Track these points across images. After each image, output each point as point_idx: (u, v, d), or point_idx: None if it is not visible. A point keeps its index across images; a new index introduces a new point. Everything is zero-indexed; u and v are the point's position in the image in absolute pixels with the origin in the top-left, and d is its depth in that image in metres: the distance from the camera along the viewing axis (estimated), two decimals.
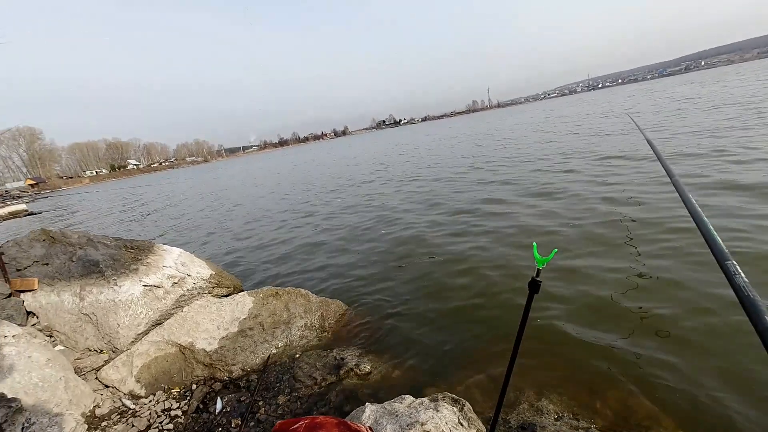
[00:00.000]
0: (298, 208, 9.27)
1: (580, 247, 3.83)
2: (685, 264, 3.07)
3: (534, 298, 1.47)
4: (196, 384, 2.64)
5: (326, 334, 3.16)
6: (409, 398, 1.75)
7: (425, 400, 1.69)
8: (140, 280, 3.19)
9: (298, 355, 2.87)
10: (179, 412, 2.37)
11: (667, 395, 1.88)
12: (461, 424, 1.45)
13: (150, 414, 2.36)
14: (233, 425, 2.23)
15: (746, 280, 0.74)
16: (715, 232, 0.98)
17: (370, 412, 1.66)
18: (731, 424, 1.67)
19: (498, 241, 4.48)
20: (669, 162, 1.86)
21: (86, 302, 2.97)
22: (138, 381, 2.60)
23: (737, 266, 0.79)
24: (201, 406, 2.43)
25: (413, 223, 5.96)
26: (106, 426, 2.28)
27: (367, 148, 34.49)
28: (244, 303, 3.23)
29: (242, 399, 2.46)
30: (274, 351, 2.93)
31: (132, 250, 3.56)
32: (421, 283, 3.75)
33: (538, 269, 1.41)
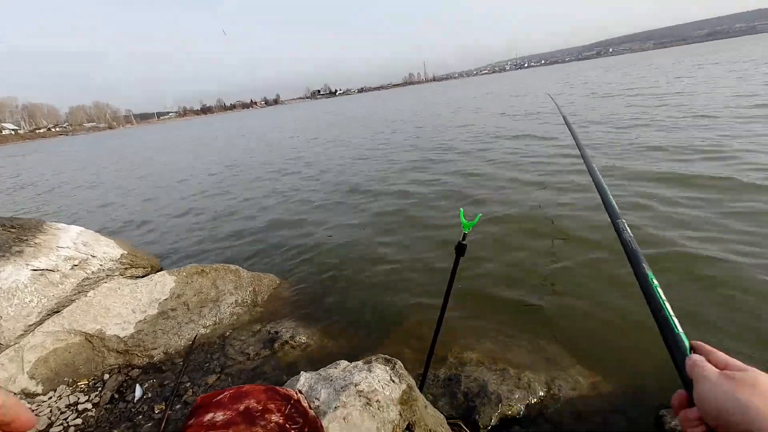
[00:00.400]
0: (221, 184, 8.60)
1: (500, 213, 4.15)
2: (585, 224, 3.50)
3: (460, 260, 1.56)
4: (109, 373, 2.39)
5: (259, 309, 3.05)
6: (344, 363, 1.77)
7: (359, 363, 1.74)
8: (26, 264, 2.72)
9: (228, 333, 2.73)
10: (89, 405, 2.13)
11: (567, 337, 2.18)
12: (393, 381, 1.52)
13: (51, 411, 2.09)
14: (156, 411, 2.08)
15: (632, 235, 0.84)
16: (611, 196, 1.09)
17: (304, 379, 1.66)
18: (618, 357, 2.00)
19: (425, 207, 4.67)
20: (580, 135, 2.06)
21: None
22: (32, 377, 2.27)
23: (625, 224, 0.90)
24: (116, 396, 2.21)
25: (345, 188, 5.92)
26: None
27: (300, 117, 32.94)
28: (164, 283, 2.96)
29: (166, 383, 2.29)
30: (202, 331, 2.76)
31: (12, 230, 2.99)
32: (351, 252, 3.79)
33: (464, 233, 1.48)
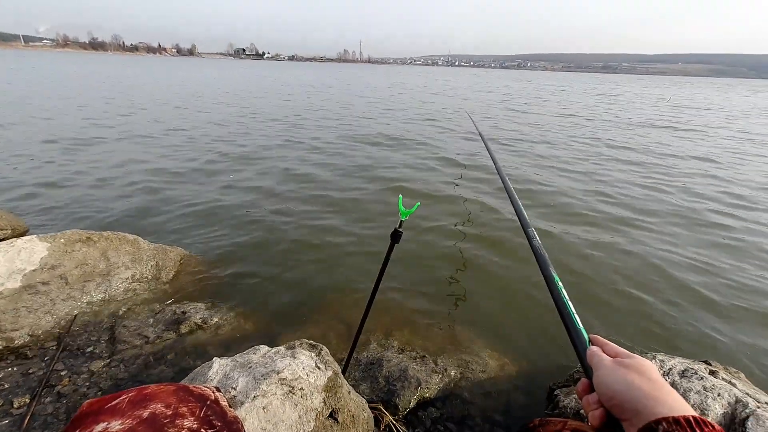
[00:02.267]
0: (129, 134, 7.32)
1: (428, 203, 4.34)
2: (501, 229, 3.87)
3: (395, 247, 1.58)
4: None
5: (163, 286, 2.70)
6: (264, 348, 1.67)
7: (281, 348, 1.65)
8: None
9: (122, 312, 2.36)
10: None
11: (480, 324, 2.40)
12: (318, 368, 1.49)
13: None
14: (16, 405, 1.70)
15: (540, 242, 0.96)
16: (522, 207, 1.21)
17: (218, 366, 1.52)
18: (523, 342, 2.27)
19: (360, 190, 4.64)
20: (492, 146, 2.25)
21: None
22: None
23: (535, 231, 1.01)
24: None
25: (272, 166, 5.55)
26: None
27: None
28: (31, 250, 2.40)
29: (32, 371, 1.89)
30: (86, 309, 2.33)
31: None
32: (274, 231, 3.58)
33: (401, 221, 1.49)
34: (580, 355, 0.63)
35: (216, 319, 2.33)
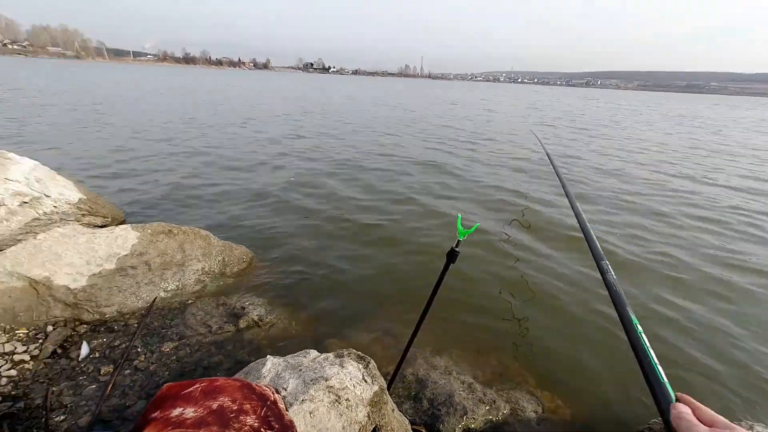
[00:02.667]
0: (208, 145, 8.15)
1: (491, 224, 4.22)
2: (570, 256, 3.62)
3: (450, 267, 1.55)
4: (54, 325, 2.20)
5: (227, 280, 2.92)
6: (313, 353, 1.73)
7: (330, 355, 1.70)
8: None
9: (191, 301, 2.60)
10: (26, 357, 1.96)
11: (536, 359, 2.25)
12: (365, 380, 1.50)
13: None
14: (102, 372, 1.94)
15: (615, 277, 0.86)
16: (594, 236, 1.12)
17: (271, 365, 1.60)
18: (584, 386, 2.08)
19: (423, 207, 4.65)
20: (563, 174, 2.12)
21: None
22: None
23: (609, 265, 0.92)
24: (59, 351, 2.05)
25: (338, 173, 5.79)
26: None
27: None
28: (126, 237, 2.75)
29: (116, 344, 2.15)
30: (163, 295, 2.60)
31: None
32: (334, 239, 3.71)
33: (459, 240, 1.47)
34: (663, 416, 0.53)
35: (270, 318, 2.46)
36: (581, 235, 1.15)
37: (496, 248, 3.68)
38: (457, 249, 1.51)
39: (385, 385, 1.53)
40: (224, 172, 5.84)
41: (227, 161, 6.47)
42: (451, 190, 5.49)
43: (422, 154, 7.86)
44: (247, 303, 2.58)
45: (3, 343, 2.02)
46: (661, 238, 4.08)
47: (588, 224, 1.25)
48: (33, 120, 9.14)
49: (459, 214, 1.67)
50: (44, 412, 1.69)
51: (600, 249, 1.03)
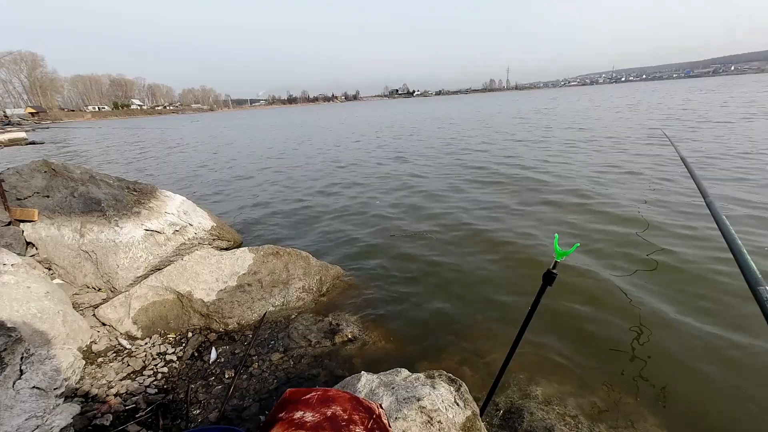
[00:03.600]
0: (308, 171, 9.14)
1: (593, 240, 3.79)
2: (705, 264, 3.03)
3: (547, 290, 1.44)
4: (192, 332, 2.67)
5: (323, 298, 3.17)
6: (405, 372, 1.76)
7: (421, 375, 1.70)
8: (142, 224, 3.16)
9: (294, 316, 2.89)
10: (174, 357, 2.41)
11: (654, 393, 1.90)
12: (457, 404, 1.46)
13: (146, 355, 2.40)
14: (226, 376, 2.27)
15: None
16: (748, 257, 0.93)
17: (365, 381, 1.68)
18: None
19: (519, 224, 4.43)
20: (703, 181, 1.78)
21: (86, 239, 2.95)
22: (135, 323, 2.63)
23: None
24: (196, 354, 2.47)
25: (428, 195, 5.89)
26: (102, 362, 2.32)
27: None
28: (244, 258, 3.22)
29: (236, 352, 2.49)
30: (271, 309, 2.95)
31: (135, 193, 3.50)
32: (424, 258, 3.74)
33: (556, 261, 1.36)
34: None
35: (362, 335, 2.58)
36: (729, 255, 0.97)
37: (612, 262, 3.26)
38: (554, 271, 1.40)
39: (478, 411, 1.46)
40: (312, 195, 6.44)
41: (309, 181, 7.12)
42: (511, 211, 5.08)
43: (440, 180, 7.48)
44: (341, 320, 2.76)
45: (159, 345, 2.52)
46: None
47: (739, 240, 1.04)
48: (177, 159, 11.51)
49: (556, 234, 1.56)
50: (186, 405, 2.04)
51: (757, 272, 0.85)
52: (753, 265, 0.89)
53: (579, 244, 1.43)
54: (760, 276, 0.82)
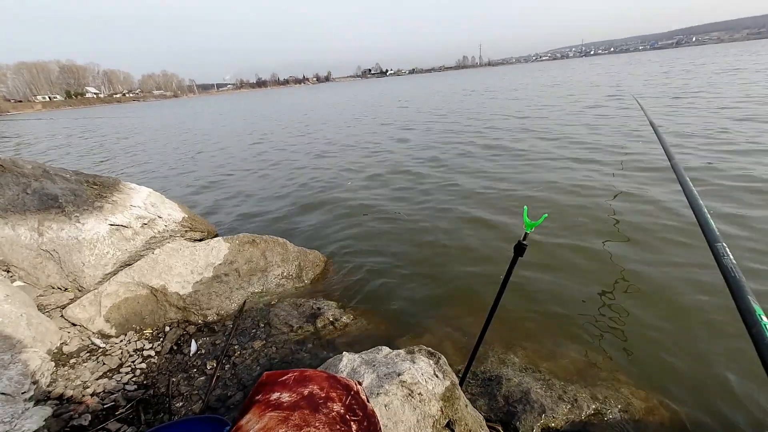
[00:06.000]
0: (277, 156, 8.91)
1: (563, 213, 3.92)
2: (665, 230, 3.20)
3: (518, 260, 1.49)
4: (170, 326, 2.62)
5: (303, 283, 3.16)
6: (385, 349, 1.79)
7: (401, 351, 1.74)
8: (106, 219, 3.01)
9: (274, 303, 2.87)
10: (152, 353, 2.36)
11: (623, 352, 2.03)
12: (436, 376, 1.51)
13: (122, 353, 2.34)
14: (208, 367, 2.25)
15: (734, 261, 0.74)
16: (708, 215, 0.98)
17: (347, 360, 1.70)
18: (683, 384, 1.83)
19: (484, 201, 4.51)
20: (670, 145, 1.86)
21: (46, 238, 2.79)
22: (107, 321, 2.54)
23: (726, 248, 0.79)
24: (175, 348, 2.42)
25: (400, 174, 5.89)
26: (75, 363, 2.24)
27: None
28: (219, 248, 3.14)
29: (217, 342, 2.47)
30: (251, 297, 2.92)
31: (95, 186, 3.31)
32: (399, 238, 3.78)
33: (526, 233, 1.40)
34: None
35: (344, 317, 2.61)
36: (692, 216, 1.02)
37: (574, 228, 3.39)
38: (524, 242, 1.44)
39: (457, 381, 1.52)
40: (285, 180, 6.32)
41: (289, 170, 6.99)
42: (507, 178, 5.19)
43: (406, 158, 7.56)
44: (322, 304, 2.77)
45: (135, 341, 2.46)
46: None
47: (700, 200, 1.09)
48: (140, 151, 10.94)
49: (525, 206, 1.59)
50: (168, 399, 2.02)
51: (715, 229, 0.89)
52: (712, 222, 0.94)
53: (547, 215, 1.48)
54: (718, 233, 0.87)
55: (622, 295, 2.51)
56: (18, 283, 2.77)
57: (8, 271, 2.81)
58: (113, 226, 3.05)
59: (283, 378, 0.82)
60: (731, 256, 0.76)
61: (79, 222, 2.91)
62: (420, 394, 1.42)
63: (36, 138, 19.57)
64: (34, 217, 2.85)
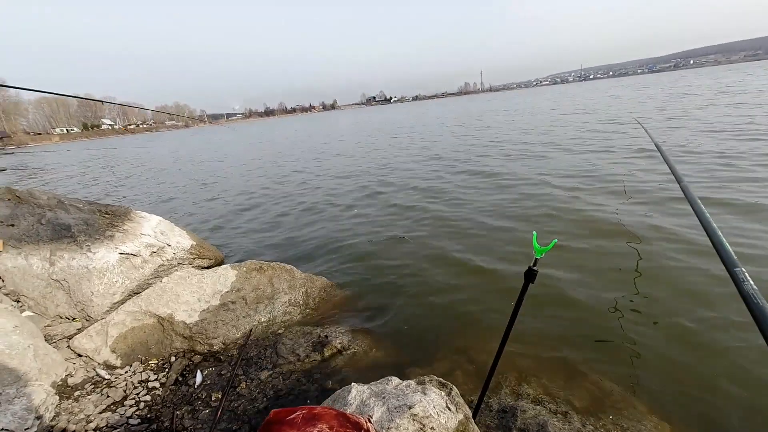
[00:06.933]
0: (282, 182, 9.04)
1: (576, 237, 3.87)
2: (683, 253, 3.13)
3: (529, 287, 1.46)
4: (175, 356, 2.58)
5: (310, 311, 3.12)
6: (395, 380, 1.74)
7: (412, 382, 1.69)
8: (116, 248, 3.04)
9: (281, 331, 2.83)
10: (157, 384, 2.31)
11: (643, 382, 1.94)
12: (449, 408, 1.46)
13: (126, 385, 2.29)
14: (213, 398, 2.19)
15: (755, 287, 0.72)
16: (723, 239, 0.96)
17: (356, 392, 1.65)
18: (707, 418, 1.74)
19: (494, 223, 4.49)
20: (676, 164, 1.85)
21: (57, 267, 2.82)
22: (113, 351, 2.51)
23: (746, 273, 0.77)
24: (180, 379, 2.38)
25: (406, 198, 5.92)
26: (79, 396, 2.20)
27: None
28: (226, 276, 3.14)
29: (223, 373, 2.42)
30: (257, 326, 2.88)
31: (107, 216, 3.37)
32: (409, 264, 3.74)
33: (536, 258, 1.38)
34: None
35: (352, 346, 2.55)
36: (707, 241, 0.99)
37: (587, 254, 3.33)
38: (535, 268, 1.42)
39: (470, 414, 1.46)
40: (293, 210, 6.38)
41: (301, 200, 7.07)
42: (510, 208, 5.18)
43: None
44: (330, 332, 2.72)
45: (140, 372, 2.42)
46: None
47: (714, 224, 1.07)
48: (148, 179, 11.20)
49: (534, 232, 1.58)
50: None
51: (732, 253, 0.86)
52: (728, 246, 0.92)
53: (557, 241, 1.46)
54: (735, 257, 0.84)
55: (638, 322, 2.42)
56: (27, 313, 2.78)
57: (18, 301, 2.82)
58: (123, 255, 3.08)
59: (291, 416, 0.80)
60: (752, 282, 0.74)
61: (90, 251, 2.94)
62: (432, 428, 1.36)
63: (53, 168, 20.21)
64: (46, 246, 2.89)
